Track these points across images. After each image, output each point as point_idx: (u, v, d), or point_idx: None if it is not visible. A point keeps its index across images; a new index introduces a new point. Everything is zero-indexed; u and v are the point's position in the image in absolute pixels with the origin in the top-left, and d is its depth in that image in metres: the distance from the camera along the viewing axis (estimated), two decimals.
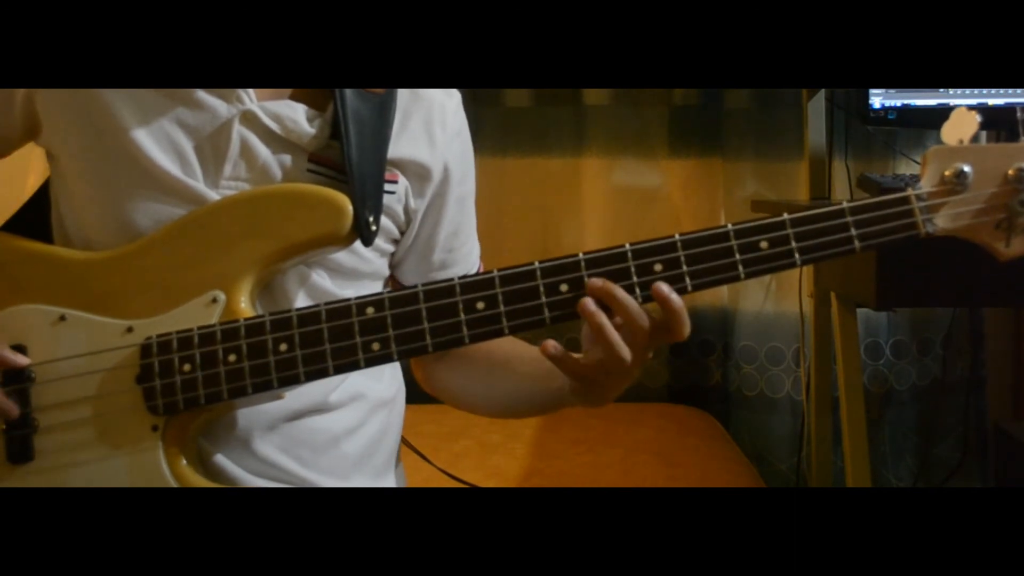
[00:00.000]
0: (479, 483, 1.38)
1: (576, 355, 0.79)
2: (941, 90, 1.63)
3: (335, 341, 0.79)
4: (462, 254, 1.00)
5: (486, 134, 2.10)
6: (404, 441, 1.06)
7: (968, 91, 1.62)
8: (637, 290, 0.77)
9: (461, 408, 1.02)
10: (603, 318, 0.76)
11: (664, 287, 0.76)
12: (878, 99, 1.64)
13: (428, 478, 1.20)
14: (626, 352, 0.76)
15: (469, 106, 1.00)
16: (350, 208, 0.82)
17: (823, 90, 1.88)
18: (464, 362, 0.99)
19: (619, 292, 0.76)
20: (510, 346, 0.96)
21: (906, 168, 2.03)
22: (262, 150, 0.85)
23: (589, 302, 0.76)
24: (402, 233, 0.95)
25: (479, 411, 1.01)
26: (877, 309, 1.76)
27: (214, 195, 0.84)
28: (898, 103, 1.63)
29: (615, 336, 0.76)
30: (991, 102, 1.61)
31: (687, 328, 0.77)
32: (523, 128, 2.13)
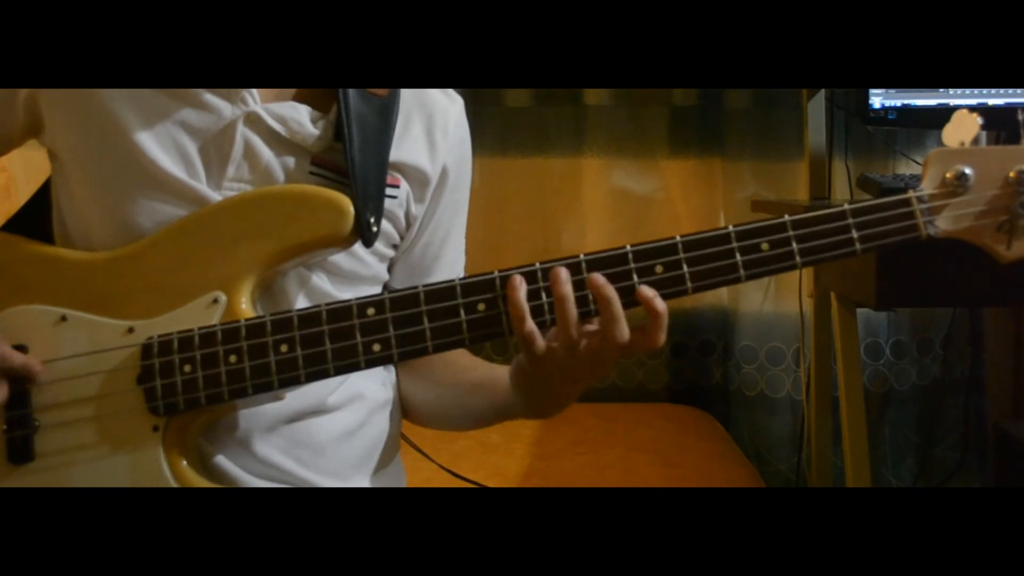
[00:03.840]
0: (479, 483, 1.38)
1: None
2: (941, 90, 1.63)
3: (336, 342, 0.79)
4: (446, 262, 0.99)
5: (486, 134, 2.10)
6: (405, 439, 1.06)
7: (968, 91, 1.62)
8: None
9: (416, 422, 1.03)
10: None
11: (648, 290, 0.76)
12: (878, 99, 1.64)
13: (429, 478, 1.20)
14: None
15: (469, 106, 1.00)
16: (352, 209, 0.82)
17: (823, 90, 1.88)
18: (418, 376, 1.00)
19: (616, 305, 0.76)
20: (465, 360, 0.98)
21: (906, 168, 2.02)
22: (265, 152, 0.85)
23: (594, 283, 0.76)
24: (402, 238, 0.95)
25: (426, 423, 1.02)
26: (877, 309, 1.76)
27: (217, 196, 0.84)
28: (898, 103, 1.63)
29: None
30: (991, 102, 1.61)
31: (663, 335, 0.77)
32: (523, 128, 2.12)
